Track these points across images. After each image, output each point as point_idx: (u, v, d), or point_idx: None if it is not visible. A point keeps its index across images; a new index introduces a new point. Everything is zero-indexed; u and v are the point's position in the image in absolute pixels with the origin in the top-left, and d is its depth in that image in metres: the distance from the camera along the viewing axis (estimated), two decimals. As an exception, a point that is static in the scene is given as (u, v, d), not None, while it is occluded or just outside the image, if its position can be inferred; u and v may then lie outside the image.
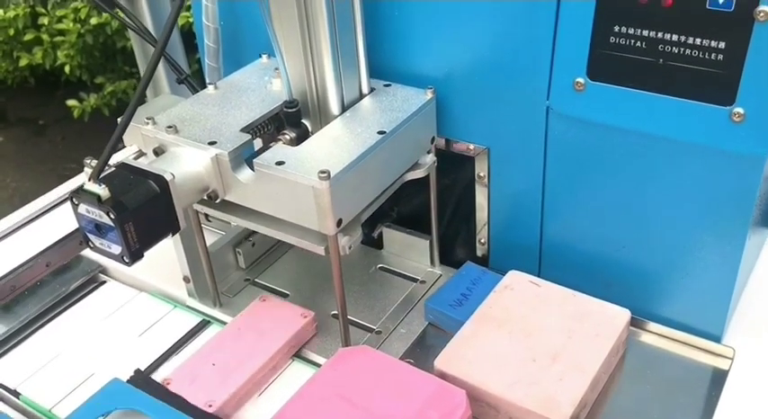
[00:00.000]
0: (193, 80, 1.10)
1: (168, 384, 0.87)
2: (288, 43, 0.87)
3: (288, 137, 0.89)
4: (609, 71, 0.82)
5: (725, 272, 0.88)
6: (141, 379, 0.87)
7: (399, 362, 0.87)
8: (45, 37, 2.82)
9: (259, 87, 0.95)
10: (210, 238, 1.09)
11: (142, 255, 0.81)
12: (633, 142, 0.84)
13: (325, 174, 0.77)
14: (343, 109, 0.90)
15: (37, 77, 3.25)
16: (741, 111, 0.76)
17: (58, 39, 2.81)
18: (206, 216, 1.16)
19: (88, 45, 2.76)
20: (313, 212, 0.80)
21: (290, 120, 0.89)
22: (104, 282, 1.11)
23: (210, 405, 0.85)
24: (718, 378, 0.89)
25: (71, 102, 2.86)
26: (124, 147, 0.99)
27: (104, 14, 2.60)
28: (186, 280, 1.03)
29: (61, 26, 2.75)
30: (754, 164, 0.78)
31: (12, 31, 2.84)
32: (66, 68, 2.81)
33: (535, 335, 0.88)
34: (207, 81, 1.07)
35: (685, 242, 0.88)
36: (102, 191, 0.77)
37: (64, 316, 1.05)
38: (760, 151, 0.77)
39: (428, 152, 0.95)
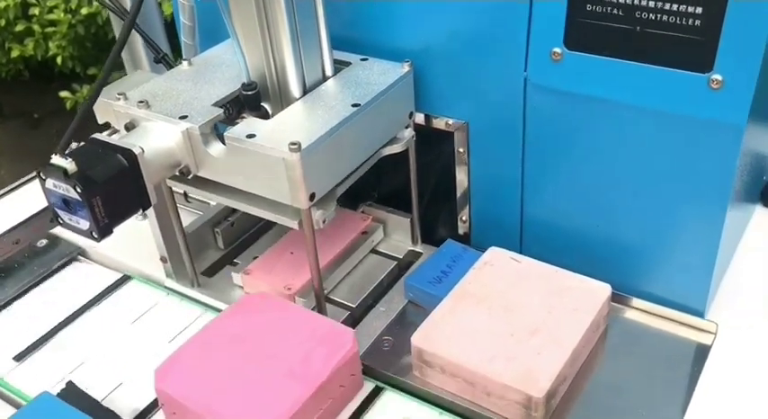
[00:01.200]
0: (171, 59, 1.09)
1: (248, 273, 0.96)
2: (243, 22, 0.84)
3: (247, 121, 0.87)
4: (586, 40, 0.80)
5: (706, 246, 0.86)
6: (73, 393, 0.84)
7: (298, 307, 0.90)
8: (36, 28, 2.80)
9: (234, 63, 0.93)
10: (189, 219, 1.08)
11: (111, 231, 0.80)
12: (611, 113, 0.82)
13: (295, 146, 0.76)
14: (305, 92, 0.87)
15: (31, 70, 3.23)
16: (719, 77, 0.74)
17: (50, 29, 2.79)
18: (185, 196, 1.15)
19: (80, 35, 2.74)
20: (285, 186, 0.79)
21: (250, 104, 0.87)
22: (83, 264, 1.09)
23: (289, 288, 0.94)
24: (701, 353, 0.88)
25: (64, 94, 2.84)
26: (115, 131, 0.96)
27: (95, 4, 2.58)
28: (163, 260, 1.02)
29: (52, 16, 2.73)
30: (732, 134, 0.77)
31: (2, 22, 2.82)
32: (59, 59, 2.79)
33: (514, 311, 0.86)
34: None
35: (666, 215, 0.87)
36: (69, 164, 0.75)
37: (39, 297, 1.03)
38: (738, 119, 0.75)
39: (406, 127, 0.93)
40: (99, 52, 2.88)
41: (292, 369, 0.80)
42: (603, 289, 0.88)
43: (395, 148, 0.92)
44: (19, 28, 2.84)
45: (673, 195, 0.85)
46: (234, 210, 1.09)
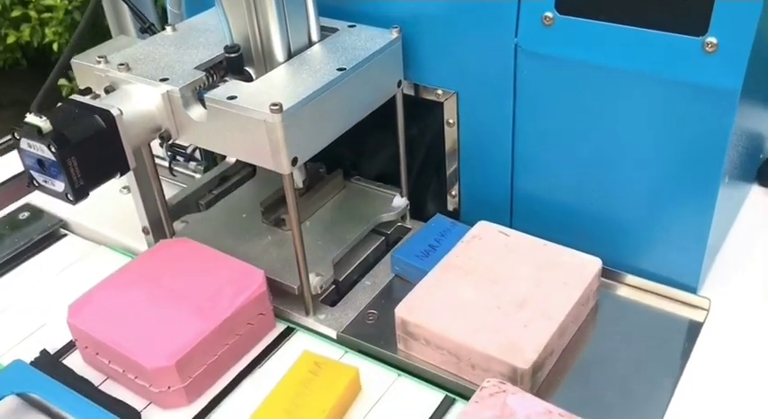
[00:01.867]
0: (157, 29, 1.06)
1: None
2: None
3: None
4: (578, 4, 0.78)
5: (699, 220, 0.84)
6: (47, 362, 0.83)
7: (215, 251, 0.90)
8: (32, 13, 2.79)
9: (219, 29, 0.90)
10: (175, 192, 1.06)
11: (87, 194, 0.77)
12: (604, 79, 0.80)
13: (277, 107, 0.74)
14: (290, 56, 0.85)
15: (29, 59, 3.21)
16: (714, 40, 0.72)
17: (46, 15, 2.77)
18: (170, 170, 1.13)
19: (76, 22, 2.72)
20: (266, 149, 0.77)
21: (233, 67, 0.84)
22: (65, 236, 1.07)
23: None
24: (694, 329, 0.85)
25: (61, 82, 2.82)
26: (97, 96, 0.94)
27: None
28: (145, 231, 1.00)
29: (48, 2, 2.71)
30: (727, 99, 0.74)
31: (-1, 8, 2.80)
32: (55, 46, 2.77)
33: (502, 284, 0.84)
34: (169, 27, 1.03)
35: (659, 188, 0.84)
36: (43, 123, 0.73)
37: (20, 269, 1.01)
38: (733, 84, 0.73)
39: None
40: (95, 38, 2.85)
41: (200, 306, 0.82)
42: (594, 263, 0.86)
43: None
44: (15, 14, 2.82)
45: (666, 167, 0.82)
46: (219, 183, 1.07)
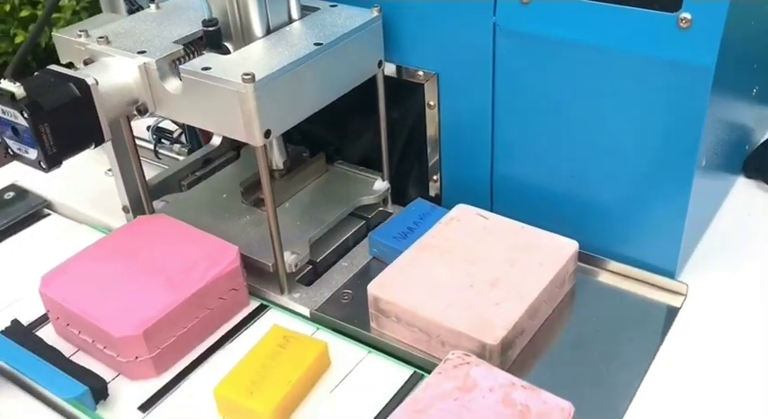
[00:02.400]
0: (146, 11, 1.07)
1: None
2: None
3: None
4: (555, -19, 0.78)
5: (676, 204, 0.83)
6: (18, 331, 0.83)
7: (191, 228, 0.90)
8: (41, 14, 2.81)
9: (201, 8, 0.91)
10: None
11: (60, 162, 0.77)
12: (580, 57, 0.80)
13: (249, 77, 0.74)
14: (268, 32, 0.85)
15: (38, 60, 3.24)
16: (688, 16, 0.72)
17: (54, 16, 2.79)
18: (155, 153, 1.13)
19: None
20: (239, 120, 0.77)
21: (211, 41, 0.84)
22: (48, 215, 1.07)
23: None
24: (671, 314, 0.84)
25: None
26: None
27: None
28: (125, 210, 1.00)
29: (57, 2, 2.73)
30: (701, 75, 0.74)
31: (8, 7, 2.83)
32: (62, 46, 2.79)
33: (476, 264, 0.84)
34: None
35: (636, 171, 0.84)
36: (17, 89, 0.74)
37: (2, 246, 1.01)
38: (707, 59, 0.72)
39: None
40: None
41: (172, 279, 0.82)
42: (570, 245, 0.85)
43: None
44: (24, 14, 2.85)
45: (643, 148, 0.82)
46: (202, 166, 1.07)
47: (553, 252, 0.85)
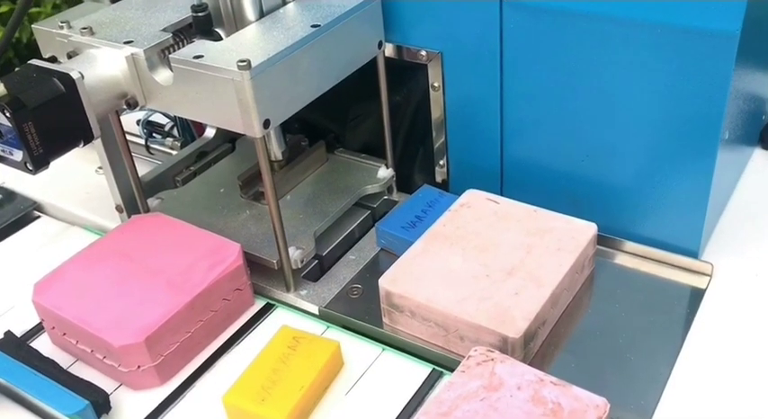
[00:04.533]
0: None
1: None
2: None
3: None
4: (564, -51, 0.73)
5: (699, 180, 0.79)
6: (11, 343, 0.78)
7: (189, 226, 0.86)
8: (20, 8, 2.74)
9: (190, -7, 0.87)
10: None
11: (48, 163, 0.73)
12: (594, 29, 0.75)
13: (245, 63, 0.69)
14: (262, 15, 0.81)
15: (20, 57, 3.17)
16: (710, -20, 0.67)
17: (34, 10, 2.72)
18: (147, 148, 1.09)
19: (65, 15, 2.68)
20: (236, 111, 0.72)
21: (201, 27, 0.80)
22: (38, 218, 1.03)
23: None
24: (696, 296, 0.81)
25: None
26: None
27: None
28: (119, 209, 0.95)
29: (38, -4, 2.66)
30: (727, 43, 0.69)
31: (-15, 4, 2.76)
32: (43, 41, 2.73)
33: (490, 252, 0.79)
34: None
35: (655, 147, 0.80)
36: (-3, 87, 0.69)
37: (-7, 251, 0.97)
38: (732, 26, 0.68)
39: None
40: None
41: (172, 281, 0.78)
42: (588, 228, 0.81)
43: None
44: (3, 9, 2.78)
45: (663, 123, 0.78)
46: (196, 160, 1.02)
47: (571, 236, 0.81)
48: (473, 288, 0.75)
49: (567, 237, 0.80)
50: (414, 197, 0.94)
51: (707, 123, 0.75)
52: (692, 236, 0.83)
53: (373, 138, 0.97)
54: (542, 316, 0.73)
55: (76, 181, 1.07)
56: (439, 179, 0.98)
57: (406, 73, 0.90)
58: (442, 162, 0.96)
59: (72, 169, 1.06)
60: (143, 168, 0.98)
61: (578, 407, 0.60)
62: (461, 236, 0.82)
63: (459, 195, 0.90)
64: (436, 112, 0.92)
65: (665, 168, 0.80)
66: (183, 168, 1.00)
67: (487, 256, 0.79)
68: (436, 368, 0.74)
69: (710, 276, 0.82)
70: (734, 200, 0.93)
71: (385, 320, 0.79)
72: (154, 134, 1.09)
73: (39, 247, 0.96)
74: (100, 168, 1.05)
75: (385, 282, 0.77)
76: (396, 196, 0.99)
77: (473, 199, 0.87)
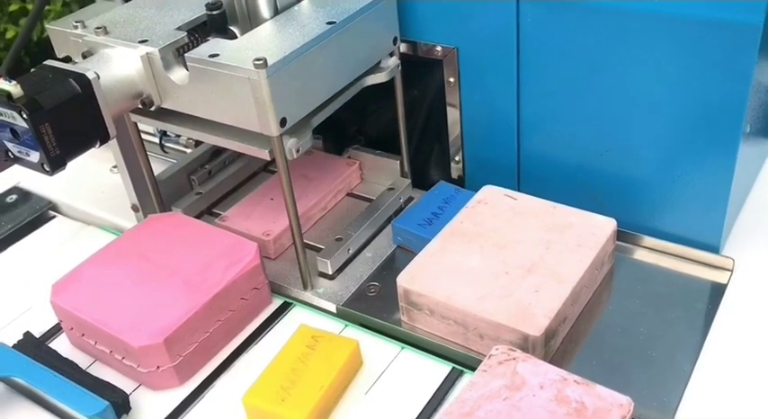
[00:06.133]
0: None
1: (225, 220, 0.90)
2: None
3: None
4: (582, -58, 0.72)
5: (720, 174, 0.78)
6: (31, 344, 0.78)
7: (205, 225, 0.86)
8: (30, 7, 2.75)
9: (203, -10, 0.86)
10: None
11: (65, 164, 0.73)
12: (612, 22, 0.75)
13: (261, 62, 0.69)
14: (276, 13, 0.80)
15: (31, 54, 3.18)
16: (732, -28, 0.66)
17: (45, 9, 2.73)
18: (161, 147, 1.08)
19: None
20: (252, 110, 0.72)
21: (216, 25, 0.79)
22: (54, 218, 1.03)
23: (268, 234, 0.88)
24: (717, 292, 0.80)
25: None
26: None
27: (87, -21, 2.52)
28: (135, 208, 0.95)
29: (46, -6, 2.66)
30: (749, 35, 0.68)
31: (-4, 2, 2.77)
32: (54, 39, 2.73)
33: (509, 248, 0.79)
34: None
35: (675, 140, 0.79)
36: (13, 87, 0.69)
37: (7, 253, 0.97)
38: (755, 17, 0.67)
39: (391, 55, 0.86)
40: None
41: (189, 281, 0.77)
42: (608, 223, 0.80)
43: (379, 78, 0.85)
44: (13, 8, 2.78)
45: (683, 116, 0.77)
46: (211, 158, 1.02)
47: (591, 231, 0.80)
48: (492, 285, 0.74)
49: (586, 233, 0.80)
50: (430, 193, 0.93)
51: (728, 116, 0.74)
52: (712, 231, 0.82)
53: (388, 133, 0.97)
54: (563, 313, 0.73)
55: (91, 180, 1.07)
56: (455, 174, 0.97)
57: (422, 69, 0.90)
58: (457, 157, 0.95)
59: (87, 168, 1.06)
60: (158, 167, 0.98)
61: (602, 406, 0.60)
62: (479, 232, 0.81)
63: (476, 191, 0.89)
64: (452, 108, 0.91)
65: (685, 162, 0.80)
66: (197, 166, 1.00)
67: (506, 253, 0.78)
68: (456, 366, 0.73)
69: (731, 271, 0.81)
70: (754, 193, 0.92)
71: (403, 318, 0.79)
72: (168, 132, 1.09)
73: (55, 247, 0.96)
74: (114, 167, 1.05)
75: (403, 280, 0.77)
76: (411, 192, 0.98)
77: (490, 195, 0.86)
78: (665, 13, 0.71)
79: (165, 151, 1.09)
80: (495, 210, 0.84)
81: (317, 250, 0.88)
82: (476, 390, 0.63)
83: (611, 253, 0.82)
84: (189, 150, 1.06)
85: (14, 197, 1.06)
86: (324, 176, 0.97)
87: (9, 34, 2.84)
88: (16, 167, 0.99)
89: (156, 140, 1.09)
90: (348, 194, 0.99)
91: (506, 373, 0.64)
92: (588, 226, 0.81)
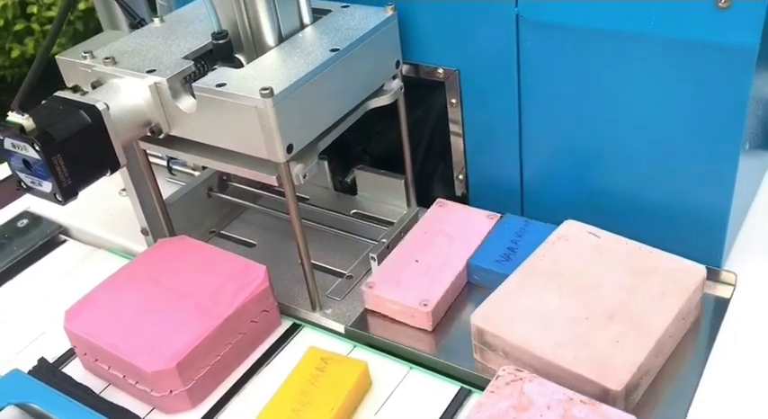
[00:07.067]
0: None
1: (372, 287, 0.84)
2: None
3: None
4: (579, -34, 0.74)
5: (720, 191, 0.79)
6: (45, 370, 0.80)
7: (214, 248, 0.88)
8: (35, 26, 2.78)
9: (207, 18, 0.87)
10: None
11: (76, 193, 0.74)
12: (611, 45, 0.76)
13: (267, 91, 0.70)
14: (281, 40, 0.81)
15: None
16: (727, -5, 0.67)
17: (49, 27, 2.76)
18: (169, 169, 1.10)
19: (79, 32, 2.70)
20: (259, 137, 0.73)
21: (222, 54, 0.81)
22: (65, 242, 1.04)
23: (426, 305, 0.81)
24: (720, 306, 0.81)
25: (66, 92, 2.80)
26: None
27: (91, -1, 2.55)
28: (144, 232, 0.97)
29: (51, 14, 2.70)
30: (744, 57, 0.70)
31: (1, 22, 2.79)
32: (59, 57, 2.76)
33: (590, 292, 0.75)
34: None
35: (675, 159, 0.80)
36: (26, 121, 0.70)
37: (19, 278, 0.98)
38: (750, 40, 0.68)
39: (394, 78, 0.87)
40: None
41: (200, 305, 0.79)
42: (698, 271, 0.77)
43: (382, 101, 0.86)
44: (18, 27, 2.81)
45: (682, 136, 0.78)
46: (219, 181, 1.03)
47: (677, 278, 0.76)
48: (572, 332, 0.72)
49: (673, 279, 0.76)
50: (499, 227, 0.89)
51: (727, 136, 0.75)
52: (713, 247, 0.83)
53: (392, 153, 0.98)
54: (646, 366, 0.70)
55: (101, 203, 1.08)
56: (458, 192, 0.99)
57: (424, 90, 0.91)
58: (461, 176, 0.97)
59: (96, 191, 1.06)
60: (166, 190, 0.99)
61: (609, 426, 0.61)
62: (559, 272, 0.78)
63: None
64: (454, 128, 0.92)
65: (685, 181, 0.81)
66: (206, 190, 1.02)
67: (587, 297, 0.75)
68: (464, 386, 0.74)
69: (734, 285, 0.82)
70: (755, 206, 0.93)
71: (476, 357, 0.77)
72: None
73: (66, 272, 0.98)
74: (123, 190, 1.06)
75: (478, 320, 0.74)
76: (414, 210, 0.99)
77: (571, 231, 0.83)
78: (663, 36, 0.72)
79: (172, 174, 1.10)
80: (576, 249, 0.81)
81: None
82: (484, 411, 0.64)
83: (699, 301, 0.78)
84: (197, 173, 1.07)
85: (25, 221, 1.08)
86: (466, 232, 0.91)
87: (14, 53, 2.86)
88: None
89: (164, 163, 1.10)
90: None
91: (513, 394, 0.65)
92: (675, 271, 0.77)
